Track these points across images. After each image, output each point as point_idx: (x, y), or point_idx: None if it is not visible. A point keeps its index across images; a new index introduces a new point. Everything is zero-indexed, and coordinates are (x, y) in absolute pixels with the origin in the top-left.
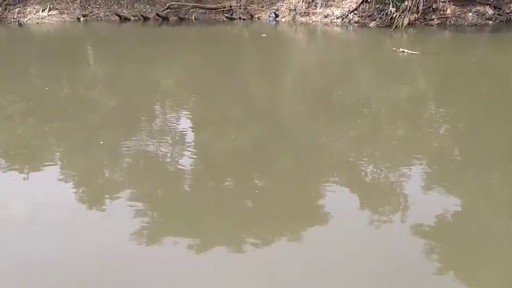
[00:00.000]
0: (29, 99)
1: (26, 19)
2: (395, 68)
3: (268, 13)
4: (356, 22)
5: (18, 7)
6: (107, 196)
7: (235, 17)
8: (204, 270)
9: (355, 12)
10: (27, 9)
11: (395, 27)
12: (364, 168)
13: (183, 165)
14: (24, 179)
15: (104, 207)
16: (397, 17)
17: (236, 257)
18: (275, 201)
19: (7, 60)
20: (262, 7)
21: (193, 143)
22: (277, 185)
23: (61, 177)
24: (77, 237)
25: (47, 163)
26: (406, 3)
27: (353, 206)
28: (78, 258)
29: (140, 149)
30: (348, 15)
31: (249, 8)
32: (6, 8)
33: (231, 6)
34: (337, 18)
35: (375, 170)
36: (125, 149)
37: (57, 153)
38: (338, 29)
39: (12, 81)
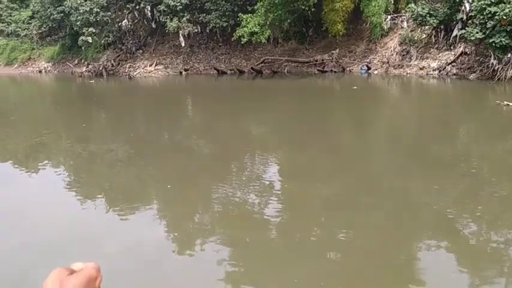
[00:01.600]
0: (133, 144)
1: (135, 73)
2: (499, 122)
3: (360, 66)
4: (454, 74)
5: (129, 62)
6: (197, 240)
7: (326, 69)
8: None
9: (453, 64)
10: (137, 64)
11: (498, 79)
12: (464, 228)
13: (270, 214)
14: (121, 219)
15: (193, 251)
16: (499, 69)
17: None
18: (361, 257)
19: (118, 109)
20: (354, 60)
21: (281, 192)
22: (364, 240)
23: (155, 218)
24: (166, 277)
25: (143, 205)
26: (509, 55)
27: (451, 270)
28: None
29: (230, 195)
30: (445, 67)
31: (340, 61)
32: (119, 63)
33: (323, 60)
34: (434, 70)
35: (476, 230)
36: (216, 195)
37: (153, 196)
38: (435, 81)
39: (120, 128)
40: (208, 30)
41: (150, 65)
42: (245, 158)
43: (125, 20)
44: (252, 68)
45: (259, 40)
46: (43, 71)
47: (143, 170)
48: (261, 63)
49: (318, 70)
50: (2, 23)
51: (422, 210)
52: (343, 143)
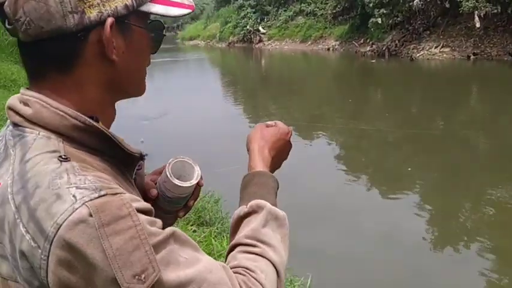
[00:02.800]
0: (403, 128)
1: (418, 54)
2: None
3: None
4: None
5: (414, 43)
6: (458, 240)
7: None
8: None
9: None
10: (421, 45)
11: None
12: None
13: None
14: (381, 200)
15: (452, 250)
16: None
17: None
18: None
19: (392, 90)
20: None
21: None
22: None
23: (416, 207)
24: (419, 273)
25: (405, 191)
26: None
27: None
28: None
29: (504, 200)
30: None
31: None
32: (402, 44)
33: None
34: None
35: None
36: (488, 196)
37: (418, 183)
38: None
39: (392, 110)
40: (510, 11)
41: (436, 47)
42: None
43: (417, 0)
44: None
45: None
46: (331, 48)
47: (411, 156)
48: None
49: None
50: (303, 3)
51: None
52: None
